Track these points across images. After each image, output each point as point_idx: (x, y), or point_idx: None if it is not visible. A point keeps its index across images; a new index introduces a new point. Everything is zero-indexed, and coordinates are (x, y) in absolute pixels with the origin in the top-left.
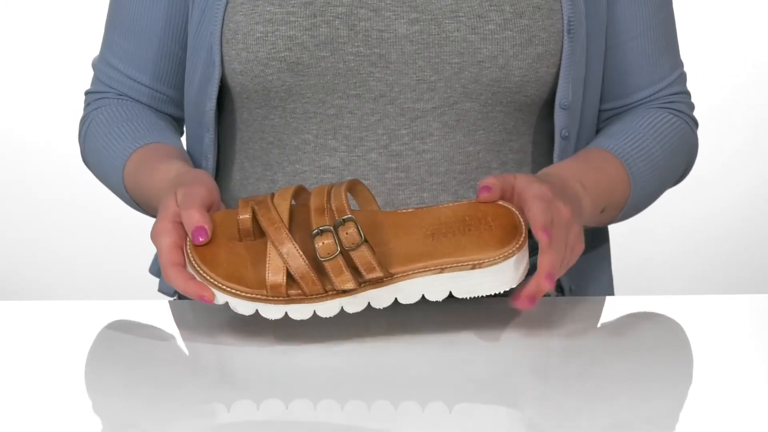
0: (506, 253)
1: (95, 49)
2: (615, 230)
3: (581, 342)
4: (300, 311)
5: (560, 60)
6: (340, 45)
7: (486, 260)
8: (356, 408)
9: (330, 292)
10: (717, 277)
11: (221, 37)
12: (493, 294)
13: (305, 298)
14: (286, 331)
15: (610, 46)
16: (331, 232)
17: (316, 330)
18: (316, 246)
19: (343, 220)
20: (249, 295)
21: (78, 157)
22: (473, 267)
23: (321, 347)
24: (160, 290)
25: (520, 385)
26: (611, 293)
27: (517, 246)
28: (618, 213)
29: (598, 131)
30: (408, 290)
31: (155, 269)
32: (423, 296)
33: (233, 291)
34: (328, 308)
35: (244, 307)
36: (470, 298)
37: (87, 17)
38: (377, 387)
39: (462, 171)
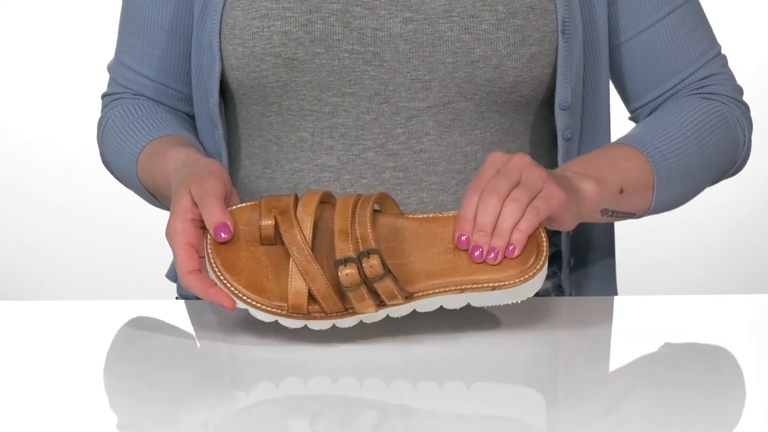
0: (527, 276)
1: (98, 50)
2: (616, 230)
3: (585, 342)
4: (319, 324)
5: (555, 60)
6: (334, 42)
7: (507, 283)
8: (372, 406)
9: (349, 310)
10: (718, 277)
11: (220, 32)
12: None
13: (325, 315)
14: (291, 333)
15: (623, 41)
16: (355, 262)
17: (319, 330)
18: (339, 274)
19: (368, 252)
20: (269, 309)
21: (79, 158)
22: (493, 289)
23: (325, 345)
24: (180, 294)
25: (523, 388)
26: (614, 293)
27: (539, 266)
28: (650, 193)
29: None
30: (426, 304)
31: (173, 275)
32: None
33: (254, 303)
34: (347, 322)
35: (263, 316)
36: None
37: (92, 17)
38: (381, 389)
39: (461, 171)
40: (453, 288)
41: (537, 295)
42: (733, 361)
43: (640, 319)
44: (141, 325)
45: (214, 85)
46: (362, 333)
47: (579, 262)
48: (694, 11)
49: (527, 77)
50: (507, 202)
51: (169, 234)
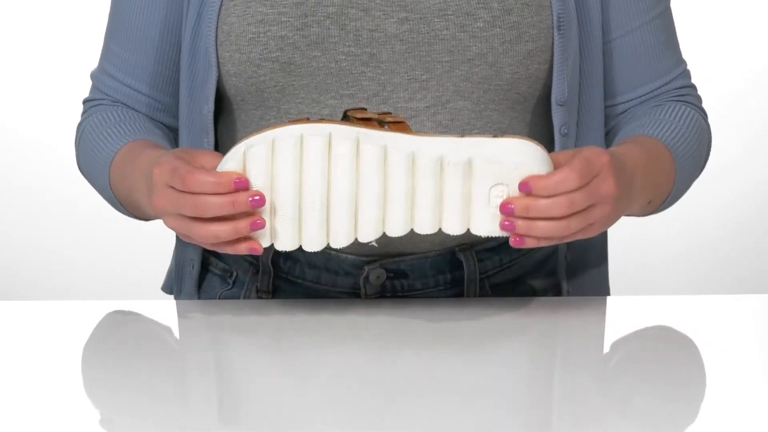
0: (531, 139)
1: (97, 49)
2: (616, 231)
3: (583, 344)
4: (315, 137)
5: (551, 56)
6: (331, 45)
7: (507, 135)
8: (363, 411)
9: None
10: (717, 277)
11: (216, 39)
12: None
13: (323, 118)
14: (289, 334)
15: (610, 39)
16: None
17: (318, 331)
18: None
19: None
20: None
21: None
22: (494, 136)
23: (323, 348)
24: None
25: (520, 390)
26: (607, 293)
27: (544, 146)
28: (661, 203)
29: (608, 130)
30: (426, 151)
31: (168, 287)
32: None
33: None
34: (342, 135)
35: (258, 154)
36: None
37: (89, 18)
38: (381, 389)
39: None
40: (453, 134)
41: (534, 294)
42: (732, 362)
43: (635, 319)
44: (139, 325)
45: (209, 92)
46: (360, 327)
47: (574, 259)
48: (670, 22)
49: (524, 74)
50: (576, 218)
51: (159, 202)
